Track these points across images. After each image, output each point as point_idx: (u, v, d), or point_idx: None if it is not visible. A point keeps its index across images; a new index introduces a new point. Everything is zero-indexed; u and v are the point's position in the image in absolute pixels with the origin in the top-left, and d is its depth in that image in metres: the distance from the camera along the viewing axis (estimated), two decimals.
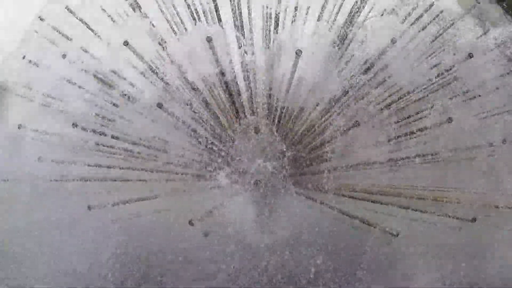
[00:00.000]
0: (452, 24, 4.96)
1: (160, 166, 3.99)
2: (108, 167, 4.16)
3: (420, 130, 3.82)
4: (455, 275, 3.83)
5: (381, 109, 3.71)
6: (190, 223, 3.43)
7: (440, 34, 4.61)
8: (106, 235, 3.90)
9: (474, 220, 3.80)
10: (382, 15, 4.29)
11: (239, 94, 3.62)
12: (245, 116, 3.66)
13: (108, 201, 3.95)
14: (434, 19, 4.60)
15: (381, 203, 3.90)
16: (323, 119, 3.76)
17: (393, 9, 4.41)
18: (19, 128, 4.58)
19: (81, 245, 4.07)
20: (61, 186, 4.13)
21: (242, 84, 3.69)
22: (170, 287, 3.78)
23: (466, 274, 3.85)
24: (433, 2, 4.79)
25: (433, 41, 4.45)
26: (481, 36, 5.49)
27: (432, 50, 4.32)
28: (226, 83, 3.49)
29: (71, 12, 4.26)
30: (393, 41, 3.51)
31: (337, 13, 4.23)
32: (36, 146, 4.48)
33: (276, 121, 3.74)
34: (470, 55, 4.58)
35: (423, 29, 4.36)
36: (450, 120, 3.74)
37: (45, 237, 4.22)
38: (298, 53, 3.16)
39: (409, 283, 3.84)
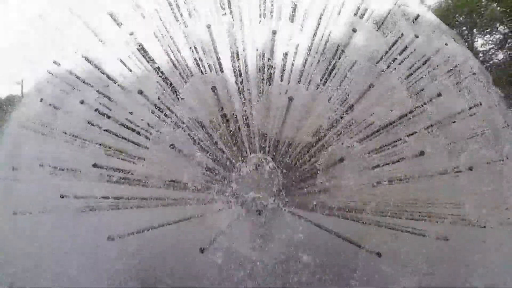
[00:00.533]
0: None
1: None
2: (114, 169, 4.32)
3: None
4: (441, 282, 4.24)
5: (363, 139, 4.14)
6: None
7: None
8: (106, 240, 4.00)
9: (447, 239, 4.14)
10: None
11: (239, 130, 4.02)
12: (247, 154, 4.05)
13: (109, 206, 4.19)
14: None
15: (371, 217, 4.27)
16: (313, 148, 4.17)
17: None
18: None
19: (79, 245, 4.24)
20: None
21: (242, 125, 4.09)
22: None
23: (453, 281, 4.28)
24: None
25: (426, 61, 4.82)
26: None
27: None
28: (227, 122, 3.91)
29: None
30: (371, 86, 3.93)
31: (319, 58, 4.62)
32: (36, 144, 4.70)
33: (271, 151, 4.12)
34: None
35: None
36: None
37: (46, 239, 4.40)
38: (291, 98, 3.59)
39: None
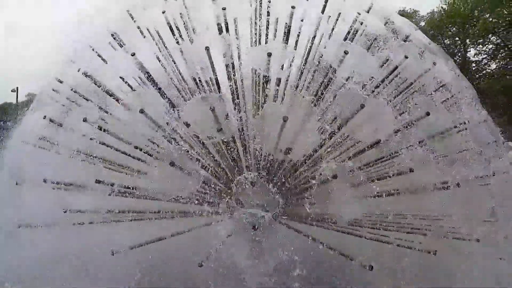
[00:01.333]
0: None
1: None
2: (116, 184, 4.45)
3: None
4: None
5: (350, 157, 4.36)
6: None
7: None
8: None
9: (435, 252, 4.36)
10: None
11: (236, 148, 4.23)
12: (244, 171, 4.25)
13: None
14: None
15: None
16: (305, 166, 4.38)
17: None
18: None
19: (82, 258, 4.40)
20: None
21: (238, 143, 4.28)
22: None
23: None
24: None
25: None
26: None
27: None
28: (225, 140, 4.14)
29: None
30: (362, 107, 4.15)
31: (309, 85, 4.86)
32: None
33: (267, 172, 4.33)
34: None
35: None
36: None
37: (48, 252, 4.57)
38: (285, 118, 3.79)
39: None
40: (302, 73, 4.59)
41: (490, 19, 44.02)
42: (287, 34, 4.82)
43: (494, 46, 47.25)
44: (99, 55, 5.08)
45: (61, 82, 5.34)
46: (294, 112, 4.01)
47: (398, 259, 4.30)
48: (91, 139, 4.34)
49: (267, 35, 4.94)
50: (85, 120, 4.51)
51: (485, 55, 49.03)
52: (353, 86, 4.49)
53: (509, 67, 45.41)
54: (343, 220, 4.38)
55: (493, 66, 47.62)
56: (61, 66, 5.44)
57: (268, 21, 5.02)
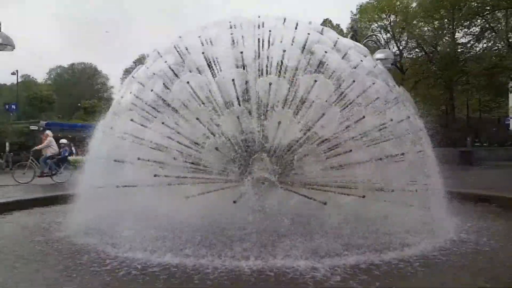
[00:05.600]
0: None
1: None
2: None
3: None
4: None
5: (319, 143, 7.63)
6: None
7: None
8: None
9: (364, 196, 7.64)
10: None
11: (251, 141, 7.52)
12: (256, 153, 7.54)
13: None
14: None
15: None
16: (290, 150, 7.67)
17: None
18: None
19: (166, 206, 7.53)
20: None
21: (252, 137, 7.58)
22: None
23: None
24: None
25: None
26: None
27: None
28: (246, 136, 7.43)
29: None
30: None
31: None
32: None
33: (270, 153, 7.61)
34: None
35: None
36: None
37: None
38: (279, 123, 7.05)
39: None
40: (287, 95, 7.79)
41: (475, 4, 45.57)
42: (280, 69, 8.01)
43: (479, 29, 48.93)
44: (164, 84, 8.29)
45: (140, 98, 8.56)
46: (283, 119, 7.27)
47: (343, 200, 7.62)
48: (168, 137, 7.61)
49: (267, 71, 8.12)
50: (162, 122, 7.74)
51: (471, 37, 50.57)
52: (318, 102, 7.70)
53: (493, 49, 47.36)
54: (312, 181, 7.70)
55: (478, 48, 49.28)
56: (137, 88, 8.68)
57: (268, 60, 8.21)
